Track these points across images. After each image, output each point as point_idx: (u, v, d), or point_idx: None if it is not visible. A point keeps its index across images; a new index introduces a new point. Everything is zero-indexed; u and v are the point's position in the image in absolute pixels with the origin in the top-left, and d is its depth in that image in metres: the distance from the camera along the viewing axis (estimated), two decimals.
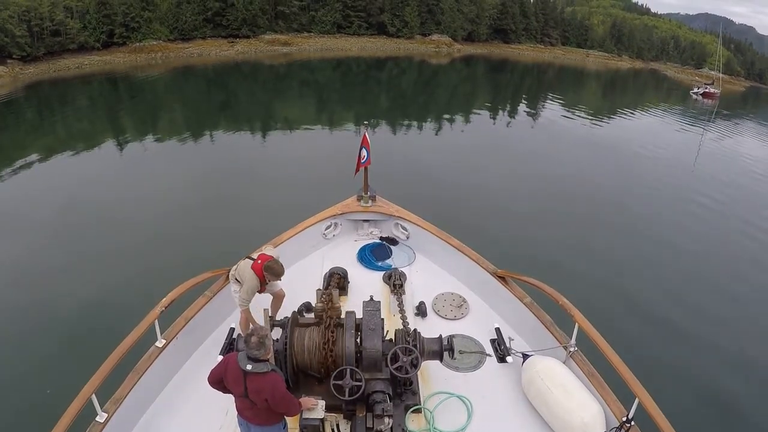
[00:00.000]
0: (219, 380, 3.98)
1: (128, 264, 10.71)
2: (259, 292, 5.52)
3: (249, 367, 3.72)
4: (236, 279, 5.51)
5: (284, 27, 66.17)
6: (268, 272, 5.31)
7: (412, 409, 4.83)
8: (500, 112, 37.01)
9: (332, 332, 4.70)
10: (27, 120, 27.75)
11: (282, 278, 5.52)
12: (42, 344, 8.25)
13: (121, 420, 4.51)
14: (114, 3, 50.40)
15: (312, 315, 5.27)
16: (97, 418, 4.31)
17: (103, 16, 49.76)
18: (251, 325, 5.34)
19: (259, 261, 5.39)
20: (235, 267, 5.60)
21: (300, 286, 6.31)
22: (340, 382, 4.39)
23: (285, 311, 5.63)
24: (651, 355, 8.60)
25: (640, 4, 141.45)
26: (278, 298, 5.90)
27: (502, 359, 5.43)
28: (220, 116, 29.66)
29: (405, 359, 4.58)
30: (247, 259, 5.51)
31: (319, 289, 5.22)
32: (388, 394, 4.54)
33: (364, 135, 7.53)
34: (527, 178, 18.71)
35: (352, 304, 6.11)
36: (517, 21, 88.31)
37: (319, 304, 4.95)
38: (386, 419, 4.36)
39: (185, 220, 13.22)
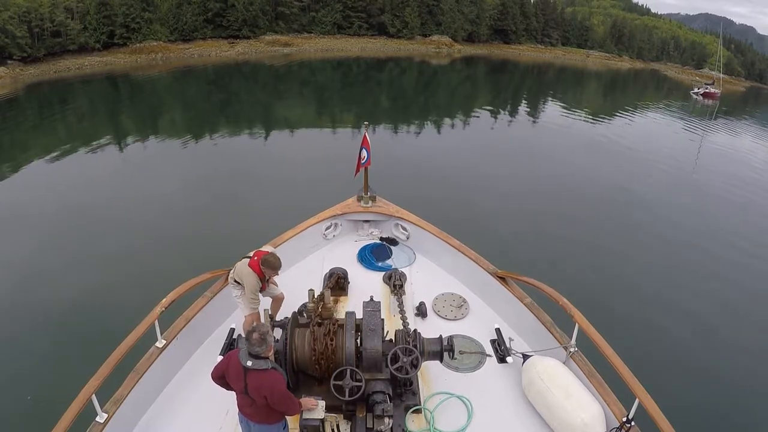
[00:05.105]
0: (221, 376, 4.01)
1: (128, 264, 10.73)
2: (260, 291, 5.47)
3: (249, 363, 3.73)
4: (235, 281, 5.47)
5: (284, 28, 66.25)
6: (265, 266, 5.27)
7: (412, 410, 4.83)
8: (500, 112, 37.01)
9: (332, 333, 4.69)
10: (27, 120, 27.80)
11: (281, 273, 5.48)
12: (42, 344, 8.27)
13: (121, 420, 4.51)
14: (114, 4, 50.48)
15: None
16: (97, 419, 4.31)
17: (103, 17, 49.86)
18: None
19: (255, 258, 5.35)
20: (233, 270, 5.55)
21: (300, 287, 6.24)
22: (340, 383, 4.39)
23: (285, 312, 5.62)
24: (651, 355, 8.60)
25: (640, 4, 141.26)
26: (277, 301, 5.89)
27: (502, 360, 5.41)
28: (221, 117, 29.67)
29: (405, 360, 4.58)
30: (243, 259, 5.48)
31: (311, 290, 5.19)
32: (388, 395, 4.54)
33: (365, 135, 7.53)
34: (527, 179, 18.71)
35: (352, 304, 6.11)
36: (518, 21, 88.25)
37: (311, 305, 4.95)
38: (386, 419, 4.36)
39: (185, 221, 13.23)
